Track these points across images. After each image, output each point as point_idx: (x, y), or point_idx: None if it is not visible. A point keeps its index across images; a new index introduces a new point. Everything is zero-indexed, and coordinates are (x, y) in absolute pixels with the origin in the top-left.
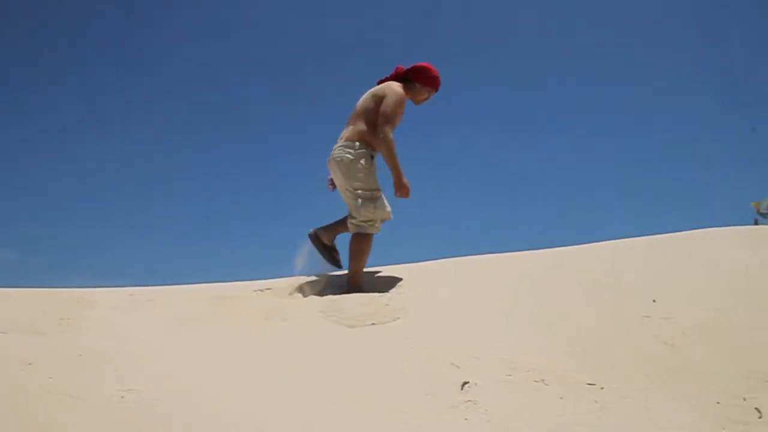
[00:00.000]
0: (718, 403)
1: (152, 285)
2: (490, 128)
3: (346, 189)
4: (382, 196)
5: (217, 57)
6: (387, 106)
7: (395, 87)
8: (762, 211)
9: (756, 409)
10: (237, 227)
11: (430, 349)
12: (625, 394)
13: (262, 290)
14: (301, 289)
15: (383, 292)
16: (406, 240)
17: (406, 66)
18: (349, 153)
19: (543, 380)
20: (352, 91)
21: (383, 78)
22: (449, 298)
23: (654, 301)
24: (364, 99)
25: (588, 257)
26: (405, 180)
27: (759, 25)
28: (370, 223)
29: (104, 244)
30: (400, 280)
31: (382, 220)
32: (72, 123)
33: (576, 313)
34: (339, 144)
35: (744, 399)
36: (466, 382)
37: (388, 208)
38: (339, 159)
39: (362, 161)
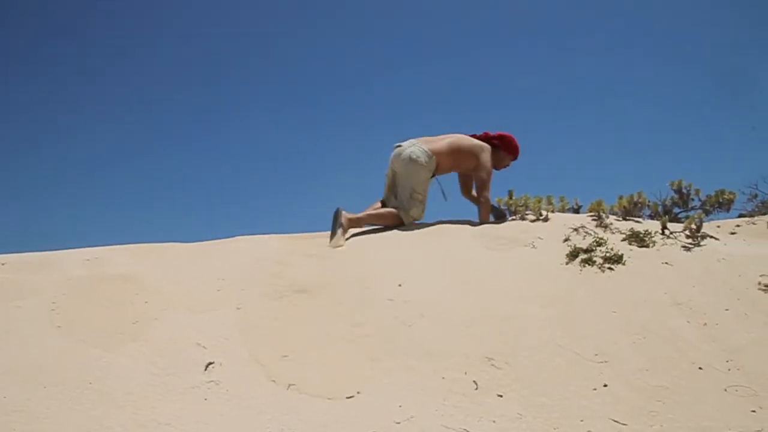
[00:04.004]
0: (443, 378)
1: None
2: None
3: (407, 186)
4: (424, 205)
5: None
6: (484, 176)
7: (488, 155)
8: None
9: (474, 381)
10: None
11: (178, 330)
12: (365, 369)
13: None
14: (41, 266)
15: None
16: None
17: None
18: (425, 160)
19: (289, 358)
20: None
21: (474, 135)
22: (211, 277)
23: (400, 285)
24: (464, 139)
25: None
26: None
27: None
28: (412, 219)
29: None
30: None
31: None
32: None
33: (332, 296)
34: (418, 145)
35: (465, 373)
36: (210, 363)
37: (423, 214)
38: (416, 158)
39: (428, 172)
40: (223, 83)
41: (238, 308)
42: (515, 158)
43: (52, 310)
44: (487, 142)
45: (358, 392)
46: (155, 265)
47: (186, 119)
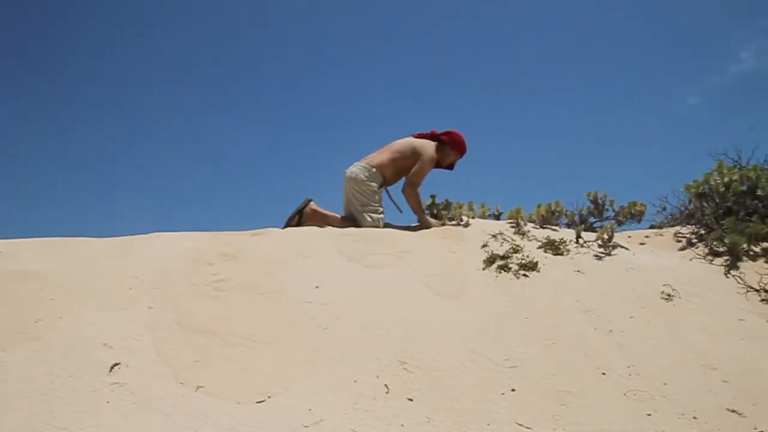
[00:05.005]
0: (355, 381)
1: None
2: None
3: (356, 203)
4: (381, 212)
5: None
6: (419, 171)
7: (431, 152)
8: None
9: (385, 385)
10: None
11: (85, 329)
12: (278, 372)
13: None
14: None
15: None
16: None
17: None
18: (365, 174)
19: (200, 361)
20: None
21: (420, 134)
22: (123, 275)
23: (317, 287)
24: (402, 143)
25: (273, 244)
26: (429, 222)
27: None
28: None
29: None
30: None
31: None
32: None
33: (248, 297)
34: (358, 164)
35: (377, 377)
36: (116, 364)
37: (383, 221)
38: (354, 176)
39: (372, 184)
40: (181, 83)
41: (150, 307)
42: (461, 155)
43: None
44: (434, 140)
45: (269, 396)
46: (63, 261)
47: (122, 112)
